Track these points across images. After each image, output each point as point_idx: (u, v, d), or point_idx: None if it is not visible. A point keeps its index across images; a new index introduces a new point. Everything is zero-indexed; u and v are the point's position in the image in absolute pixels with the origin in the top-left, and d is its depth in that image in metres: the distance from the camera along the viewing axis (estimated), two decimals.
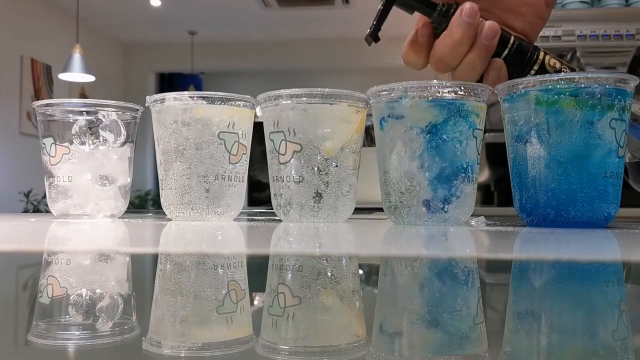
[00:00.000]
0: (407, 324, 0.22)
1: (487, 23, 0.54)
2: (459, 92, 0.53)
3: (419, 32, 0.57)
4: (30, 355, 0.18)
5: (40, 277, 0.29)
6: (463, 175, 0.53)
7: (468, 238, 0.44)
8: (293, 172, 0.57)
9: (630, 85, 0.50)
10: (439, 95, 0.53)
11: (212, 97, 0.59)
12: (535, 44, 0.58)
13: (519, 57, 0.56)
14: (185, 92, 0.59)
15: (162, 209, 0.63)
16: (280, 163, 0.58)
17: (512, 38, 0.56)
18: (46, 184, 0.64)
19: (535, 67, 0.56)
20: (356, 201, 0.61)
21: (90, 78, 4.41)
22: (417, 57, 0.58)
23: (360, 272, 0.32)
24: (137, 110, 0.66)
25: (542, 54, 0.56)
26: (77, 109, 0.63)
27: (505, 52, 0.56)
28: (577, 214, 0.49)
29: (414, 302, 0.25)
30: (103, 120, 0.63)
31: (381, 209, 0.59)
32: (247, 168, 0.63)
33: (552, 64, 0.56)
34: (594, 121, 0.49)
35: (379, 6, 0.56)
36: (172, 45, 6.52)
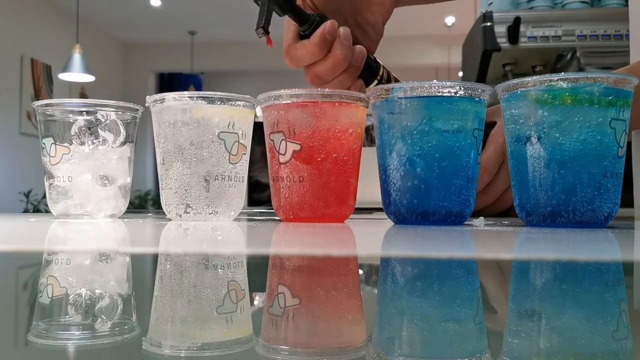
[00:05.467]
0: (407, 324, 0.22)
1: (357, 48, 0.63)
2: (459, 92, 0.53)
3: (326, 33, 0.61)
4: (30, 355, 0.18)
5: (40, 277, 0.29)
6: (463, 175, 0.53)
7: (468, 238, 0.44)
8: (293, 172, 0.57)
9: (630, 85, 0.50)
10: (439, 95, 0.53)
11: (212, 97, 0.59)
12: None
13: (370, 72, 0.66)
14: (185, 92, 0.59)
15: (162, 209, 0.63)
16: (280, 163, 0.58)
17: (368, 58, 0.65)
18: (46, 184, 0.64)
19: (378, 77, 0.67)
20: (356, 201, 0.61)
21: (90, 78, 4.41)
22: (307, 55, 0.63)
23: (360, 272, 0.32)
24: (137, 110, 0.66)
25: (381, 67, 0.68)
26: (77, 109, 0.63)
27: (365, 70, 0.65)
28: (577, 214, 0.49)
29: (413, 303, 0.25)
30: (102, 120, 0.63)
31: (381, 209, 0.59)
32: (247, 168, 0.63)
33: (385, 75, 0.68)
34: (594, 121, 0.49)
35: (262, 2, 0.60)
36: (172, 45, 6.52)
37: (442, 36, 5.70)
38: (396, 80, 0.68)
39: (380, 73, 0.67)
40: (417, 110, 0.53)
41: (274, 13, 0.61)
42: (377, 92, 0.56)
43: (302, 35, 0.63)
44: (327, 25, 0.61)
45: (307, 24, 0.62)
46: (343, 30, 0.62)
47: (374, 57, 0.68)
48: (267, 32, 0.60)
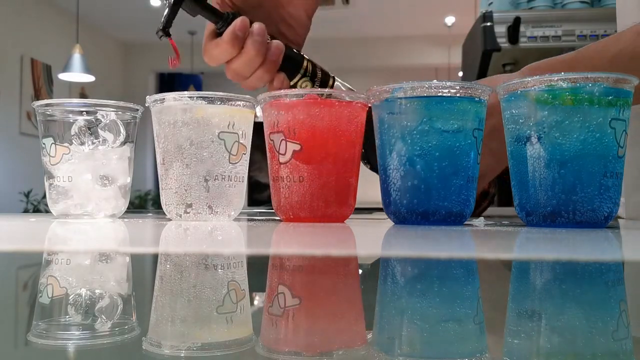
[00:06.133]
0: (407, 324, 0.22)
1: (274, 43, 0.63)
2: (459, 92, 0.53)
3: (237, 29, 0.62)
4: (30, 355, 0.18)
5: (40, 277, 0.29)
6: (463, 174, 0.53)
7: (468, 238, 0.44)
8: (293, 172, 0.57)
9: (630, 85, 0.50)
10: (439, 95, 0.53)
11: (212, 97, 0.59)
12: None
13: (293, 66, 0.66)
14: (185, 92, 0.59)
15: (162, 209, 0.63)
16: (280, 163, 0.58)
17: (286, 49, 0.65)
18: (46, 184, 0.64)
19: (301, 71, 0.66)
20: (356, 201, 0.61)
21: (90, 78, 4.41)
22: (222, 53, 0.63)
23: (361, 272, 0.32)
24: (137, 110, 0.66)
25: (305, 60, 0.67)
26: (77, 109, 0.63)
27: (287, 64, 0.65)
28: (577, 214, 0.49)
29: (413, 303, 0.25)
30: (102, 120, 0.63)
31: (381, 209, 0.59)
32: (247, 168, 0.63)
33: (310, 68, 0.67)
34: (594, 121, 0.49)
35: (167, 3, 0.61)
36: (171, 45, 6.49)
37: (442, 36, 5.70)
38: (323, 73, 0.68)
39: (304, 66, 0.66)
40: (417, 110, 0.53)
41: (186, 14, 0.61)
42: (377, 92, 0.56)
43: (219, 33, 0.63)
44: (238, 22, 0.61)
45: (220, 22, 0.62)
46: (257, 26, 0.62)
47: (298, 51, 0.68)
48: (167, 35, 0.61)
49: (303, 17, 0.69)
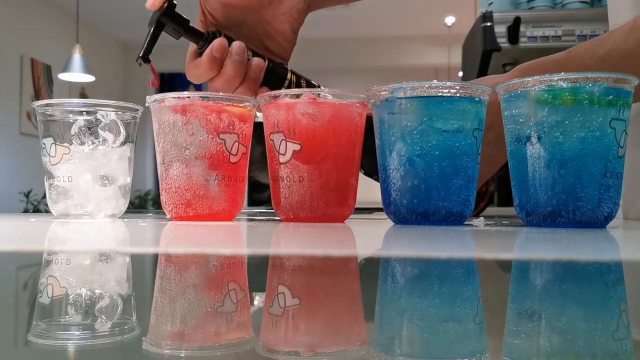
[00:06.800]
0: (407, 324, 0.22)
1: (254, 61, 0.64)
2: (459, 92, 0.53)
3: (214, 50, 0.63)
4: (30, 355, 0.18)
5: (40, 277, 0.29)
6: (463, 174, 0.53)
7: (468, 238, 0.44)
8: (293, 172, 0.57)
9: (630, 84, 0.50)
10: (439, 95, 0.53)
11: (212, 97, 0.59)
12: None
13: (276, 80, 0.67)
14: (185, 92, 0.59)
15: (162, 209, 0.63)
16: (280, 163, 0.58)
17: (268, 61, 0.66)
18: (46, 184, 0.64)
19: (286, 83, 0.67)
20: (356, 201, 0.61)
21: (90, 78, 4.41)
22: (201, 73, 0.65)
23: (360, 272, 0.32)
24: (137, 110, 0.66)
25: (289, 73, 0.68)
26: (77, 109, 0.63)
27: (270, 78, 0.66)
28: (577, 214, 0.49)
29: (413, 303, 0.25)
30: (102, 120, 0.63)
31: (381, 209, 0.59)
32: (247, 168, 0.63)
33: (294, 80, 0.68)
34: (594, 121, 0.49)
35: (149, 29, 0.62)
36: (172, 45, 6.50)
37: (442, 36, 5.71)
38: (308, 84, 0.69)
39: (288, 78, 0.67)
40: (417, 110, 0.53)
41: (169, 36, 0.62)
42: (377, 92, 0.55)
43: (200, 53, 0.64)
44: (215, 43, 0.62)
45: (201, 42, 0.63)
46: (236, 45, 0.63)
47: (282, 64, 0.68)
48: (147, 61, 0.61)
49: (288, 31, 0.69)
